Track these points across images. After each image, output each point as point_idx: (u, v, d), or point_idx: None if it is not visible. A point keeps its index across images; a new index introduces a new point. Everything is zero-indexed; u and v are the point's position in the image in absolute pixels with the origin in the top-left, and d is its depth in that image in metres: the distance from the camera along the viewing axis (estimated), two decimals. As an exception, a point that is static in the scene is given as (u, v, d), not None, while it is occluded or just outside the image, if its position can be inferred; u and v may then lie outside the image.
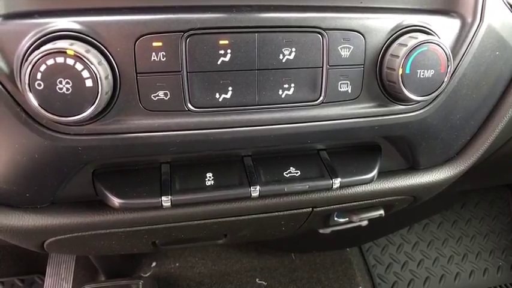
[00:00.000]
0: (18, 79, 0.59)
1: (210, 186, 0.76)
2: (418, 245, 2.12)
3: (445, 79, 0.70)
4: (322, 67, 0.68)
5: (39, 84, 0.56)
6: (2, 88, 0.60)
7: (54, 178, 0.72)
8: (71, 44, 0.56)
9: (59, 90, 0.56)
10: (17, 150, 0.66)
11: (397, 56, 0.68)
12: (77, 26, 0.59)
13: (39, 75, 0.56)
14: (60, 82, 0.56)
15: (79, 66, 0.56)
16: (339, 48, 0.68)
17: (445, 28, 0.74)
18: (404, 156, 0.92)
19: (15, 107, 0.61)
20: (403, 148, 0.89)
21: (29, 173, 0.70)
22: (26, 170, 0.69)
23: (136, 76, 0.62)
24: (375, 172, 0.84)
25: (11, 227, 0.77)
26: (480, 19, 0.75)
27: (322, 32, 0.67)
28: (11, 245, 0.85)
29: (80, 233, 0.82)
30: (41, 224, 0.77)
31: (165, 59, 0.62)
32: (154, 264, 1.84)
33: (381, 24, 0.69)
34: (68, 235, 0.82)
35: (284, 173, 0.80)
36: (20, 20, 0.59)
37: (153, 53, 0.61)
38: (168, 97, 0.64)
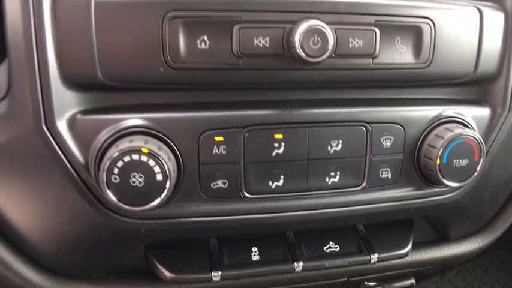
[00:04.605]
0: (93, 169, 0.65)
1: (256, 261, 0.81)
2: (436, 295, 2.12)
3: (479, 167, 0.76)
4: (366, 156, 0.74)
5: (115, 178, 0.62)
6: (78, 177, 0.66)
7: (113, 253, 0.77)
8: (146, 142, 0.62)
9: (132, 184, 0.62)
10: (84, 230, 0.71)
11: (435, 147, 0.73)
12: (148, 123, 0.65)
13: (115, 170, 0.61)
14: (134, 176, 0.62)
15: (152, 163, 0.62)
16: (381, 139, 0.74)
17: (478, 117, 0.80)
18: (435, 229, 0.97)
19: (88, 194, 0.67)
20: (434, 223, 0.94)
21: (92, 250, 0.75)
22: (89, 247, 0.74)
23: (199, 167, 0.68)
24: (409, 247, 0.88)
25: None
26: (509, 109, 0.81)
27: (367, 125, 0.73)
28: None
29: (128, 301, 0.86)
30: (93, 293, 0.82)
31: (225, 151, 0.68)
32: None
33: (419, 117, 0.75)
34: None
35: (324, 248, 0.84)
36: (96, 116, 0.65)
37: (215, 146, 0.68)
38: (226, 185, 0.70)
